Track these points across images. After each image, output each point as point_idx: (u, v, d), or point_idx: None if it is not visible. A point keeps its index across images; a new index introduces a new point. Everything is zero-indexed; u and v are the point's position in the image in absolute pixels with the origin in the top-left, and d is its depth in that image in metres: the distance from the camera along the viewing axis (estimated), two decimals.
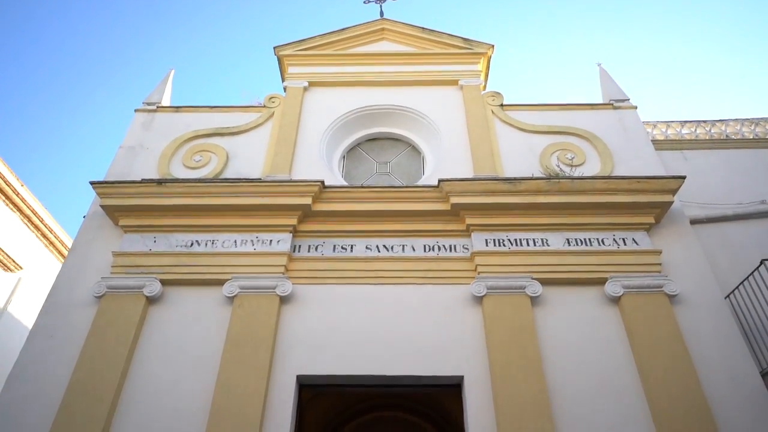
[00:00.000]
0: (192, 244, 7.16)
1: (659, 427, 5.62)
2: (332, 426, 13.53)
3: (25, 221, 11.20)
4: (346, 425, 13.56)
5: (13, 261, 10.82)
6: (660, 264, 6.77)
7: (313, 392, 10.47)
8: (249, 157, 8.37)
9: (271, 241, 7.14)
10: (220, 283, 6.81)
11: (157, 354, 6.35)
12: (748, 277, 6.71)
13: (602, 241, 7.05)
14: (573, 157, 8.17)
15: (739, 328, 6.44)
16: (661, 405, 5.72)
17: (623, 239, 7.04)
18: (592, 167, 8.04)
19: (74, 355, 6.23)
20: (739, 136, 9.36)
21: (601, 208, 7.15)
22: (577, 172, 7.82)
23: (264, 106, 9.17)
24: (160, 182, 7.44)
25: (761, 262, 6.51)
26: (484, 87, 9.72)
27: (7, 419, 5.83)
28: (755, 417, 5.72)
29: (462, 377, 6.17)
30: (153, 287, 6.71)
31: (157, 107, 9.13)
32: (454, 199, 7.17)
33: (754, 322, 6.64)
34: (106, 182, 7.49)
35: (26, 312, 10.89)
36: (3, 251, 10.51)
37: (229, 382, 5.98)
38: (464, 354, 6.29)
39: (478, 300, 6.63)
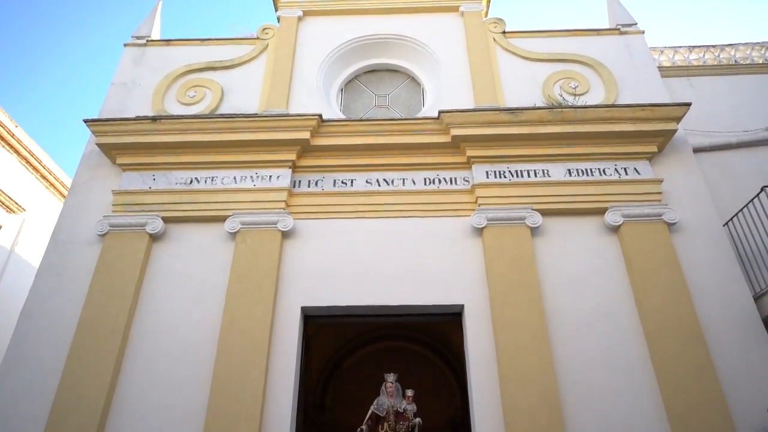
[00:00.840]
0: (191, 182, 7.14)
1: (652, 348, 5.83)
2: (337, 357, 14.04)
3: (23, 163, 11.12)
4: (350, 356, 14.05)
5: (16, 203, 10.84)
6: (660, 193, 6.76)
7: (318, 324, 10.81)
8: (244, 91, 8.17)
9: (270, 176, 7.11)
10: (222, 219, 6.84)
11: (164, 289, 6.48)
12: (747, 204, 6.71)
13: (603, 171, 7.00)
14: (576, 86, 7.97)
15: (735, 255, 6.53)
16: (655, 328, 5.89)
17: (625, 169, 6.99)
18: (595, 96, 7.85)
19: (82, 292, 6.37)
20: (748, 61, 9.07)
21: (603, 138, 7.05)
22: (581, 101, 7.65)
23: (257, 38, 8.85)
24: (154, 119, 7.31)
25: (762, 189, 6.49)
26: (486, 13, 9.33)
27: (23, 355, 6.04)
28: (745, 339, 5.91)
29: (462, 306, 6.32)
30: (155, 225, 6.75)
31: (147, 41, 8.82)
32: (455, 131, 7.06)
33: (751, 248, 6.71)
34: (100, 120, 7.36)
35: (33, 253, 11.04)
36: (5, 193, 10.52)
37: (235, 315, 6.14)
38: (465, 284, 6.41)
39: (479, 231, 6.68)
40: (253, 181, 7.10)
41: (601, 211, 6.71)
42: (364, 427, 6.14)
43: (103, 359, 5.91)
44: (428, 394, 11.05)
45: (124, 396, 5.84)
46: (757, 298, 6.22)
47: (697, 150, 7.62)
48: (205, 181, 7.12)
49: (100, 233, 6.75)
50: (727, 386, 5.61)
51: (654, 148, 7.05)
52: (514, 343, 5.89)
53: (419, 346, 13.84)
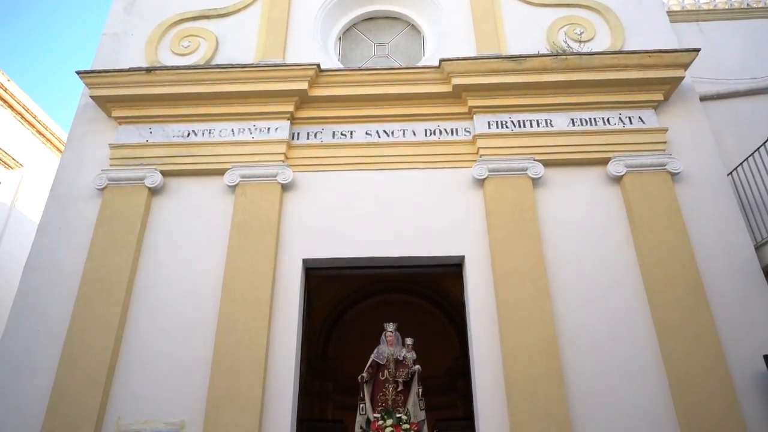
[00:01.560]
0: (189, 134, 7.03)
1: (651, 297, 5.89)
2: (338, 310, 14.26)
3: (18, 118, 10.95)
4: (351, 308, 14.28)
5: (13, 159, 10.75)
6: (665, 142, 6.66)
7: (320, 277, 10.91)
8: (240, 41, 7.93)
9: (269, 128, 7.00)
10: (221, 172, 6.78)
11: (165, 243, 6.50)
12: (752, 153, 6.62)
13: (608, 120, 6.87)
14: (582, 32, 7.71)
15: (738, 204, 6.49)
16: (655, 277, 5.93)
17: (629, 118, 6.86)
18: (601, 42, 7.62)
19: (84, 246, 6.39)
20: (761, 5, 8.74)
21: (608, 86, 6.89)
22: (586, 48, 7.43)
23: None
24: (148, 70, 7.12)
25: None
26: None
27: (29, 308, 6.12)
28: (744, 287, 5.95)
29: (463, 257, 6.35)
30: (154, 178, 6.70)
31: None
32: (456, 80, 6.89)
33: (755, 197, 6.66)
34: (93, 72, 7.18)
35: (33, 208, 11.02)
36: (2, 150, 10.41)
37: (237, 267, 6.18)
38: (465, 235, 6.41)
39: (480, 183, 6.62)
40: (251, 133, 6.99)
41: (604, 161, 6.63)
42: (364, 374, 6.26)
43: (108, 311, 5.98)
44: (428, 345, 11.28)
45: (130, 346, 5.96)
46: (758, 248, 6.23)
47: (703, 98, 7.46)
48: (203, 134, 7.02)
49: (99, 187, 6.70)
50: (724, 333, 5.69)
51: (660, 96, 6.90)
52: (514, 294, 5.95)
53: (419, 298, 14.04)
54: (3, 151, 10.45)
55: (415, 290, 13.82)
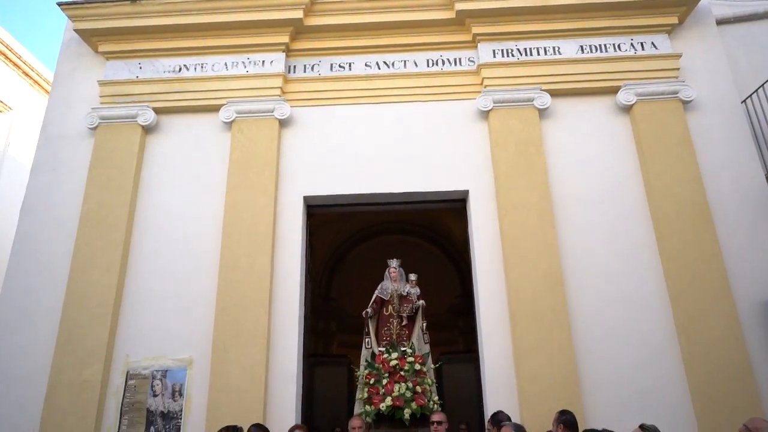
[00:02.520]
0: (180, 69, 6.73)
1: (658, 229, 5.81)
2: (341, 250, 14.31)
3: (3, 59, 10.50)
4: (353, 249, 14.33)
5: (1, 102, 10.42)
6: (678, 69, 6.38)
7: (321, 218, 10.84)
8: None
9: (263, 61, 6.68)
10: (216, 108, 6.53)
11: (162, 182, 6.35)
12: None
13: (618, 46, 6.55)
14: None
15: (751, 133, 6.30)
16: (662, 209, 5.83)
17: (641, 44, 6.54)
18: None
19: (80, 187, 6.24)
20: None
21: (620, 9, 6.52)
22: None
23: None
24: (133, 1, 6.72)
25: None
26: None
27: (29, 251, 6.05)
28: (753, 217, 5.86)
29: (467, 191, 6.22)
30: (147, 116, 6.46)
31: None
32: (459, 5, 6.50)
33: None
34: (75, 2, 6.76)
35: (26, 152, 10.78)
36: None
37: (237, 205, 6.06)
38: (469, 169, 6.26)
39: (484, 114, 6.40)
40: (245, 67, 6.69)
41: (614, 90, 6.37)
42: (369, 310, 6.32)
43: (109, 252, 5.92)
44: (430, 284, 11.38)
45: (134, 286, 5.93)
46: None
47: (720, 21, 7.07)
48: (195, 69, 6.71)
49: (91, 126, 6.48)
50: (731, 263, 5.64)
51: (674, 20, 6.54)
52: (519, 228, 5.86)
53: (420, 239, 14.07)
54: None
55: (416, 231, 13.83)
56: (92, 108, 6.54)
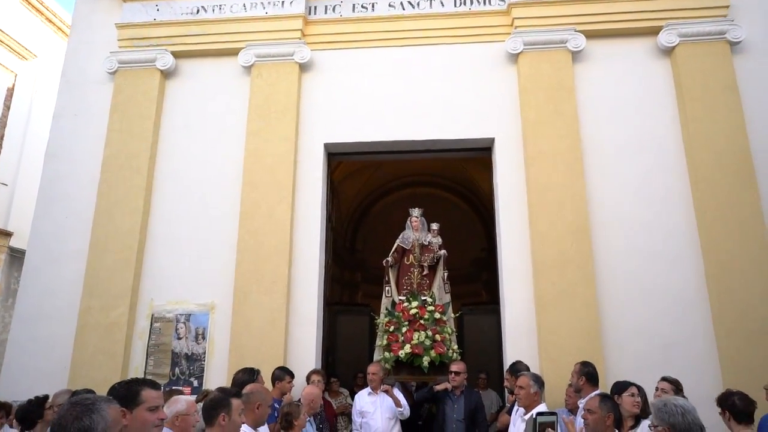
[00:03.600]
0: (198, 11, 6.53)
1: (694, 180, 5.50)
2: (365, 203, 14.28)
3: (26, 5, 10.45)
4: (378, 202, 14.28)
5: (26, 49, 10.43)
6: (727, 6, 5.87)
7: (345, 170, 10.74)
8: None
9: (283, 2, 6.42)
10: (235, 52, 6.36)
11: (182, 127, 6.30)
12: None
13: None
14: None
15: None
16: (701, 159, 5.50)
17: None
18: None
19: (101, 132, 6.25)
20: None
21: None
22: None
23: None
24: None
25: None
26: None
27: (54, 195, 6.14)
28: None
29: (493, 139, 5.99)
30: (165, 60, 6.35)
31: None
32: None
33: None
34: None
35: (52, 98, 10.87)
36: (16, 41, 10.08)
37: (257, 151, 5.99)
38: (496, 116, 6.00)
39: (513, 58, 6.07)
40: (264, 8, 6.44)
41: (655, 31, 5.92)
42: (389, 258, 6.27)
43: (131, 197, 5.97)
44: (455, 238, 11.30)
45: (157, 231, 6.00)
46: None
47: None
48: (213, 10, 6.50)
49: (110, 71, 6.42)
50: None
51: None
52: (546, 177, 5.64)
53: (447, 192, 13.91)
54: (15, 41, 10.10)
55: (442, 184, 13.67)
56: (111, 52, 6.45)
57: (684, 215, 5.49)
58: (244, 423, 2.82)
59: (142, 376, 5.57)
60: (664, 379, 4.18)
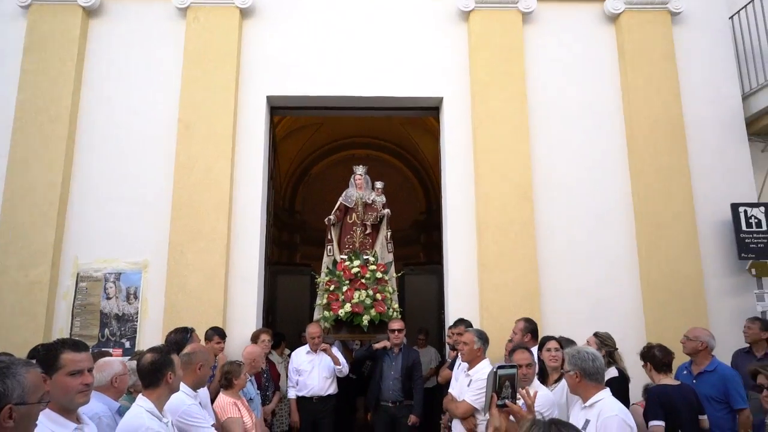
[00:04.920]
0: None
1: (630, 142, 5.73)
2: (306, 163, 13.96)
3: None
4: (318, 162, 14.00)
5: None
6: None
7: (286, 127, 10.38)
8: None
9: None
10: None
11: (109, 73, 5.78)
12: None
13: None
14: None
15: (734, 51, 6.12)
16: (638, 123, 5.71)
17: None
18: None
19: (14, 74, 5.60)
20: None
21: None
22: None
23: None
24: None
25: None
26: None
27: None
28: (726, 138, 5.84)
29: (441, 99, 5.93)
30: None
31: None
32: None
33: (752, 44, 6.26)
34: None
35: None
36: None
37: (193, 102, 5.60)
38: (445, 75, 5.92)
39: (465, 15, 5.97)
40: None
41: None
42: (331, 217, 6.12)
43: (51, 147, 5.44)
44: (395, 200, 11.32)
45: (81, 186, 5.54)
46: (745, 98, 6.00)
47: None
48: None
49: (22, 4, 5.72)
50: (698, 182, 5.66)
51: None
52: (493, 138, 5.67)
53: (388, 155, 13.84)
54: None
55: (383, 146, 13.58)
56: None
57: (620, 179, 5.72)
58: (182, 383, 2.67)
59: (68, 337, 5.23)
60: (595, 334, 4.38)
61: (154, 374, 2.50)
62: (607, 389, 2.78)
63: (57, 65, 5.60)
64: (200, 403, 2.98)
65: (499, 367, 2.41)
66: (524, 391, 2.49)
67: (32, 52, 5.63)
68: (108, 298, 5.34)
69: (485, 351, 3.96)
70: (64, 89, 5.57)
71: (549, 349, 3.88)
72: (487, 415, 2.52)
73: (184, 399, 2.66)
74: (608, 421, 2.54)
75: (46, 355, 2.08)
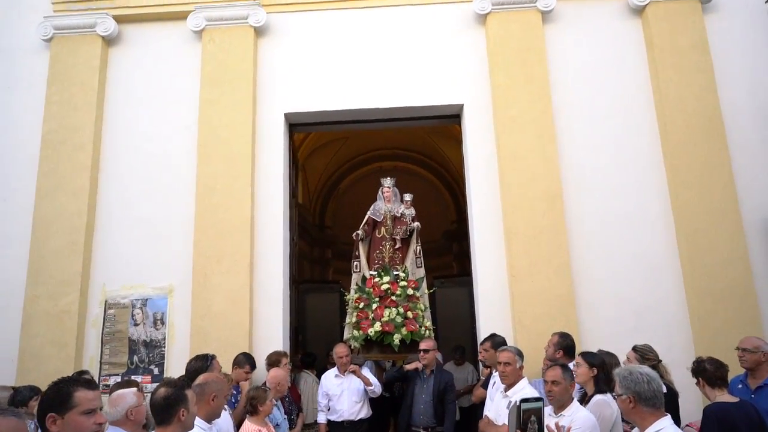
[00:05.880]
0: None
1: (665, 140, 5.41)
2: (333, 179, 13.97)
3: None
4: (346, 177, 14.00)
5: None
6: None
7: (311, 142, 10.38)
8: None
9: None
10: (183, 16, 5.88)
11: (129, 99, 5.84)
12: None
13: None
14: None
15: None
16: (672, 119, 5.38)
17: None
18: None
19: (39, 105, 5.73)
20: None
21: None
22: None
23: None
24: None
25: None
26: None
27: None
28: (765, 131, 5.44)
29: (462, 106, 5.75)
30: (107, 25, 5.82)
31: None
32: None
33: None
34: None
35: None
36: None
37: (211, 123, 5.59)
38: (464, 81, 5.75)
39: (481, 19, 5.79)
40: None
41: None
42: (360, 231, 5.98)
43: (75, 175, 5.51)
44: (425, 211, 11.13)
45: (106, 211, 5.59)
46: None
47: None
48: None
49: (45, 38, 5.86)
50: (740, 179, 5.28)
51: None
52: (517, 144, 5.44)
53: (414, 165, 13.74)
54: None
55: (410, 157, 13.49)
56: (44, 17, 5.88)
57: (656, 178, 5.40)
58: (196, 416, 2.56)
59: (98, 366, 5.27)
60: (634, 348, 4.09)
61: (166, 410, 2.40)
62: (668, 417, 2.45)
63: (79, 95, 5.70)
64: None
65: (523, 401, 2.19)
66: (554, 426, 2.25)
67: (55, 83, 5.75)
68: (136, 325, 5.34)
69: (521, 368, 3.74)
70: (87, 118, 5.66)
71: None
72: None
73: None
74: None
75: (58, 394, 2.01)
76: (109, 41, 5.93)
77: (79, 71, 5.74)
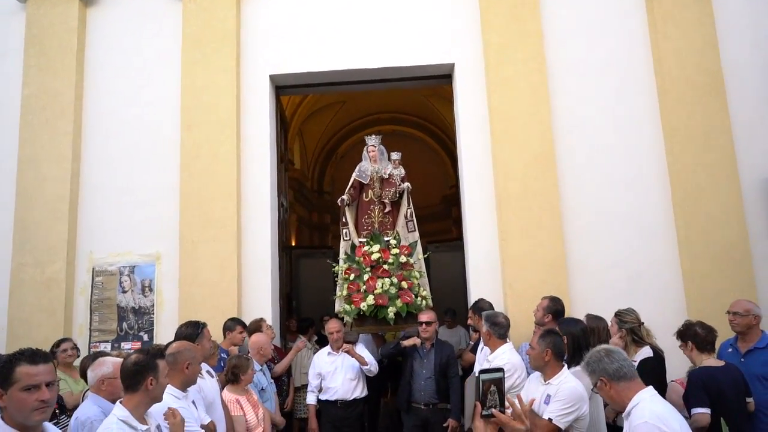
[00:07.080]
0: None
1: (663, 98, 5.21)
2: (331, 144, 13.81)
3: None
4: (343, 142, 13.85)
5: None
6: None
7: (307, 106, 10.17)
8: None
9: None
10: None
11: (109, 63, 5.67)
12: None
13: None
14: None
15: None
16: (670, 75, 5.15)
17: None
18: None
19: (17, 70, 5.57)
20: None
21: None
22: None
23: None
24: None
25: None
26: None
27: None
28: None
29: (453, 65, 5.54)
30: None
31: None
32: None
33: None
34: None
35: None
36: None
37: (194, 86, 5.43)
38: (455, 39, 5.52)
39: None
40: None
41: None
42: (345, 196, 5.64)
43: (57, 142, 5.41)
44: (424, 175, 11.00)
45: (90, 179, 5.51)
46: None
47: None
48: None
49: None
50: (739, 138, 5.10)
51: None
52: (510, 104, 5.27)
53: (412, 128, 13.54)
54: None
55: (407, 120, 13.31)
56: None
57: (652, 139, 5.23)
58: (168, 385, 2.52)
59: (88, 333, 5.27)
60: (615, 313, 3.98)
61: (134, 376, 2.36)
62: (645, 390, 2.31)
63: (58, 58, 5.53)
64: (194, 402, 2.85)
65: (482, 372, 2.11)
66: (515, 399, 2.16)
67: (33, 46, 5.58)
68: (124, 292, 5.32)
69: (502, 335, 3.69)
70: (67, 83, 5.51)
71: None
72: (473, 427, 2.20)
73: (169, 401, 2.52)
74: (637, 429, 2.17)
75: (2, 368, 1.94)
76: (86, 1, 5.70)
77: (57, 33, 5.56)
